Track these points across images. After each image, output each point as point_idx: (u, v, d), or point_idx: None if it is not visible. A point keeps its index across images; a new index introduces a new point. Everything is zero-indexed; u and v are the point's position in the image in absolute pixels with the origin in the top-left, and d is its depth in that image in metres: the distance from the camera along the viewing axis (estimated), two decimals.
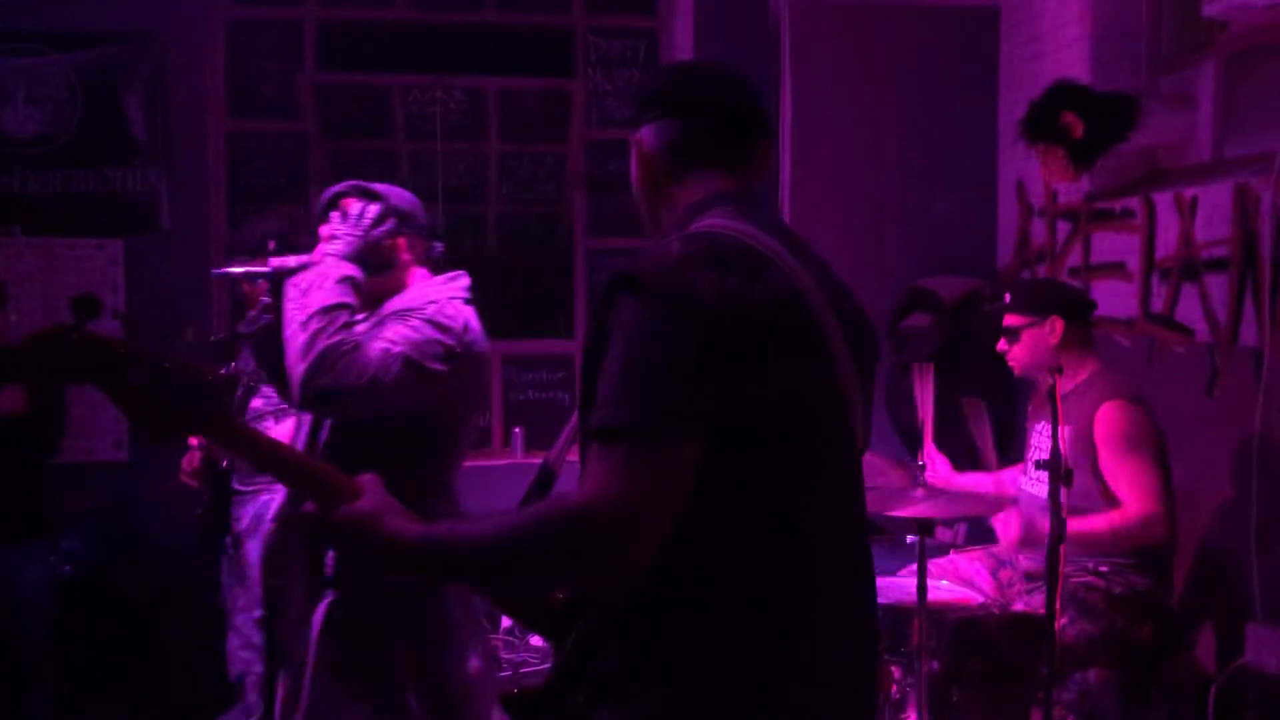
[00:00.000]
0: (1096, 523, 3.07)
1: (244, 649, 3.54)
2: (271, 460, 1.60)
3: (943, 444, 3.48)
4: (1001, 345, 3.36)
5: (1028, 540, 3.34)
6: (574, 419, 1.69)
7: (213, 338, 2.28)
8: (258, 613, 3.34)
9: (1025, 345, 3.30)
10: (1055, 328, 3.25)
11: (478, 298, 2.58)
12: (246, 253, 3.12)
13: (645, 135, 1.65)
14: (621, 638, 1.48)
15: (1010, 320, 3.32)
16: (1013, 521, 3.34)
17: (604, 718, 1.47)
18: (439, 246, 2.65)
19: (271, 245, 2.80)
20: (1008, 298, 3.38)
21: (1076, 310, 3.31)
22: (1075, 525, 3.00)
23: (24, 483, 4.00)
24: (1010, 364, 3.37)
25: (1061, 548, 2.51)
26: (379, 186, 2.60)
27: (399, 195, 2.62)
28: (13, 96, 4.99)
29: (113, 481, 4.95)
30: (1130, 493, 3.09)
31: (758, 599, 1.45)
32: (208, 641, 4.72)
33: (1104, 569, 3.15)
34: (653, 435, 1.37)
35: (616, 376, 1.39)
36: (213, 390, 1.50)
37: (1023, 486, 3.40)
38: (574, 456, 1.57)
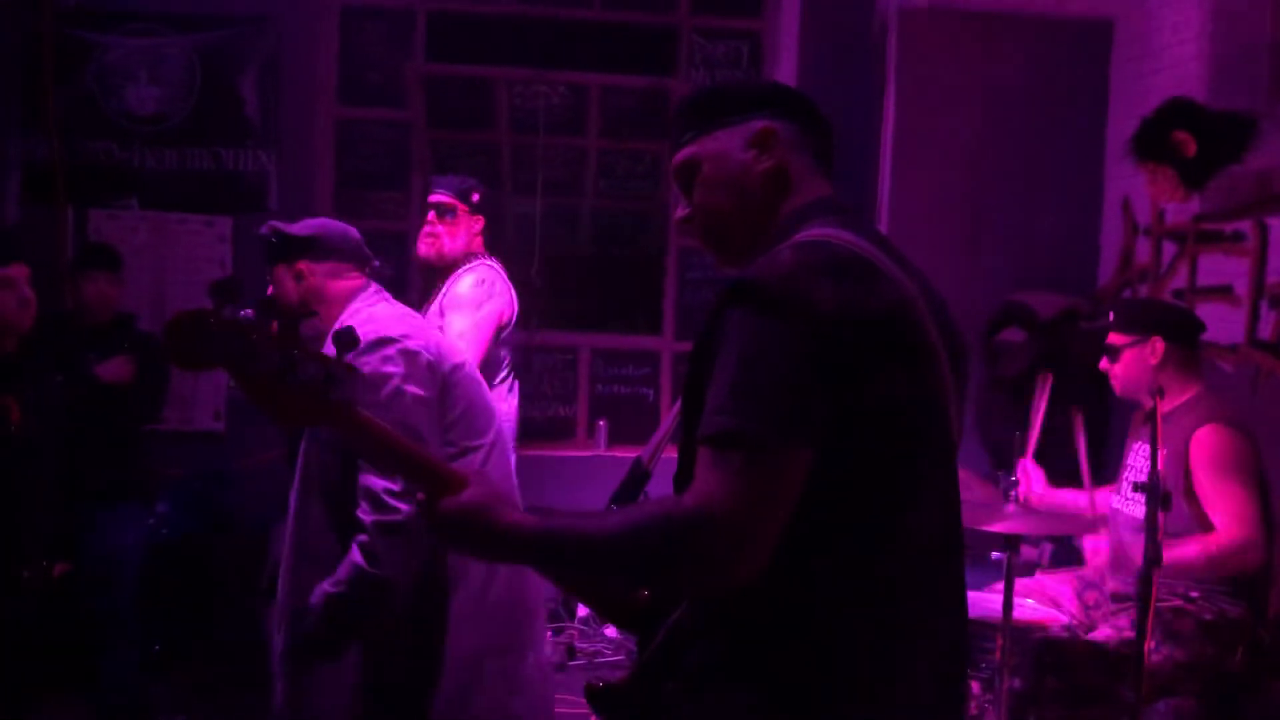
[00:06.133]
0: (1190, 549, 3.01)
1: None
2: (387, 450, 1.62)
3: (1039, 461, 3.43)
4: (1104, 364, 3.30)
5: (1117, 565, 3.27)
6: (667, 421, 1.69)
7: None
8: None
9: (1125, 364, 3.24)
10: (1156, 349, 3.19)
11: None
12: None
13: (753, 131, 1.58)
14: (716, 633, 1.48)
15: (1112, 338, 3.27)
16: (1102, 547, 3.27)
17: (693, 711, 1.47)
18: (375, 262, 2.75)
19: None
20: (1111, 316, 3.32)
21: (1180, 332, 3.24)
22: (1169, 552, 2.94)
23: (126, 448, 4.13)
24: (1112, 382, 3.31)
25: (1155, 572, 2.46)
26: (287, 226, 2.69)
27: (301, 226, 2.69)
28: (135, 75, 5.18)
29: (209, 451, 5.11)
30: (1225, 518, 3.01)
31: (854, 603, 1.45)
32: None
33: (1195, 594, 3.08)
34: (770, 443, 1.35)
35: (731, 383, 1.38)
36: (339, 380, 1.52)
37: (1116, 505, 3.34)
38: (669, 454, 1.57)
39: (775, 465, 1.36)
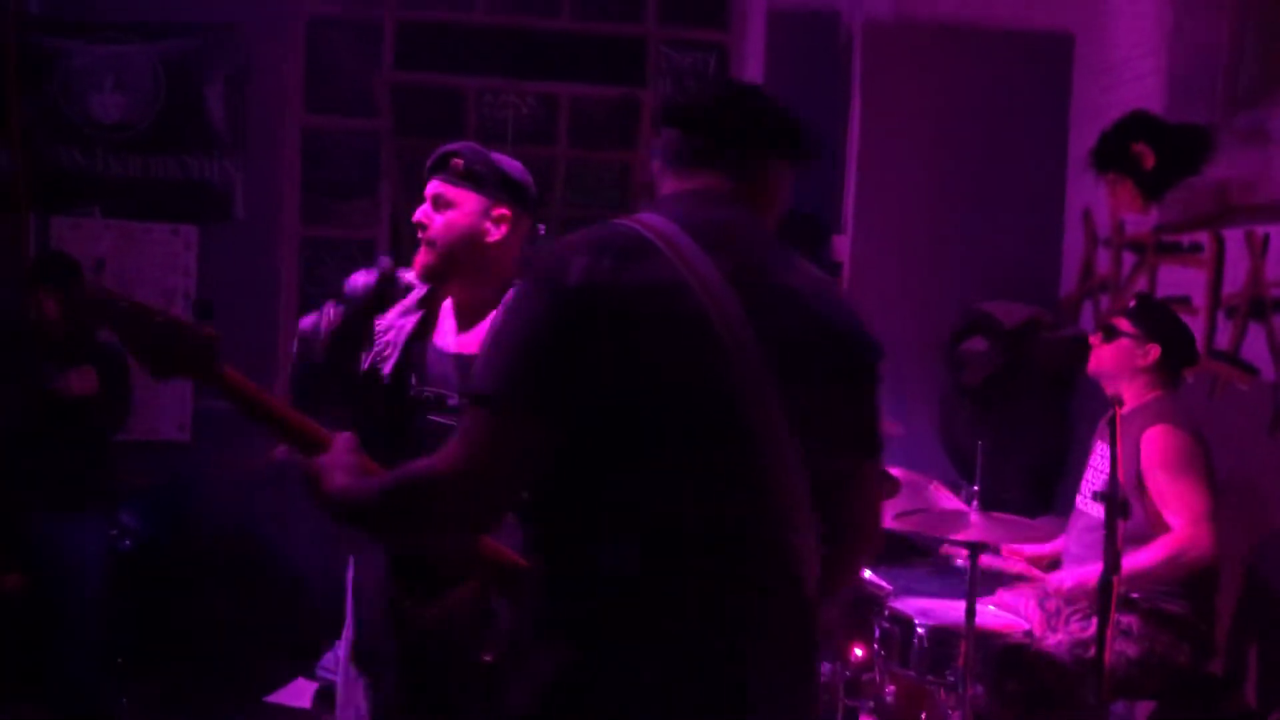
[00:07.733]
0: (1150, 554, 3.05)
1: None
2: (255, 408, 1.74)
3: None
4: (1095, 339, 3.35)
5: (1077, 591, 3.30)
6: None
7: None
8: None
9: (1116, 351, 3.28)
10: (1150, 353, 3.24)
11: None
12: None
13: (656, 144, 1.73)
14: (526, 607, 1.58)
15: (1120, 322, 3.31)
16: (1068, 576, 3.26)
17: (516, 679, 1.53)
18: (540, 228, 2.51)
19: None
20: (1133, 302, 3.37)
21: (1178, 351, 3.30)
22: (1129, 560, 2.98)
23: (89, 458, 4.11)
24: (1091, 358, 3.35)
25: (1115, 579, 2.50)
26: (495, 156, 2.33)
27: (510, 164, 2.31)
28: (101, 83, 5.14)
29: (174, 460, 5.07)
30: (1180, 516, 3.06)
31: (610, 586, 1.47)
32: (256, 620, 4.80)
33: (1135, 595, 3.12)
34: (498, 405, 1.44)
35: (487, 349, 1.49)
36: (203, 342, 1.72)
37: (1078, 506, 3.38)
38: None
39: (503, 426, 1.44)
